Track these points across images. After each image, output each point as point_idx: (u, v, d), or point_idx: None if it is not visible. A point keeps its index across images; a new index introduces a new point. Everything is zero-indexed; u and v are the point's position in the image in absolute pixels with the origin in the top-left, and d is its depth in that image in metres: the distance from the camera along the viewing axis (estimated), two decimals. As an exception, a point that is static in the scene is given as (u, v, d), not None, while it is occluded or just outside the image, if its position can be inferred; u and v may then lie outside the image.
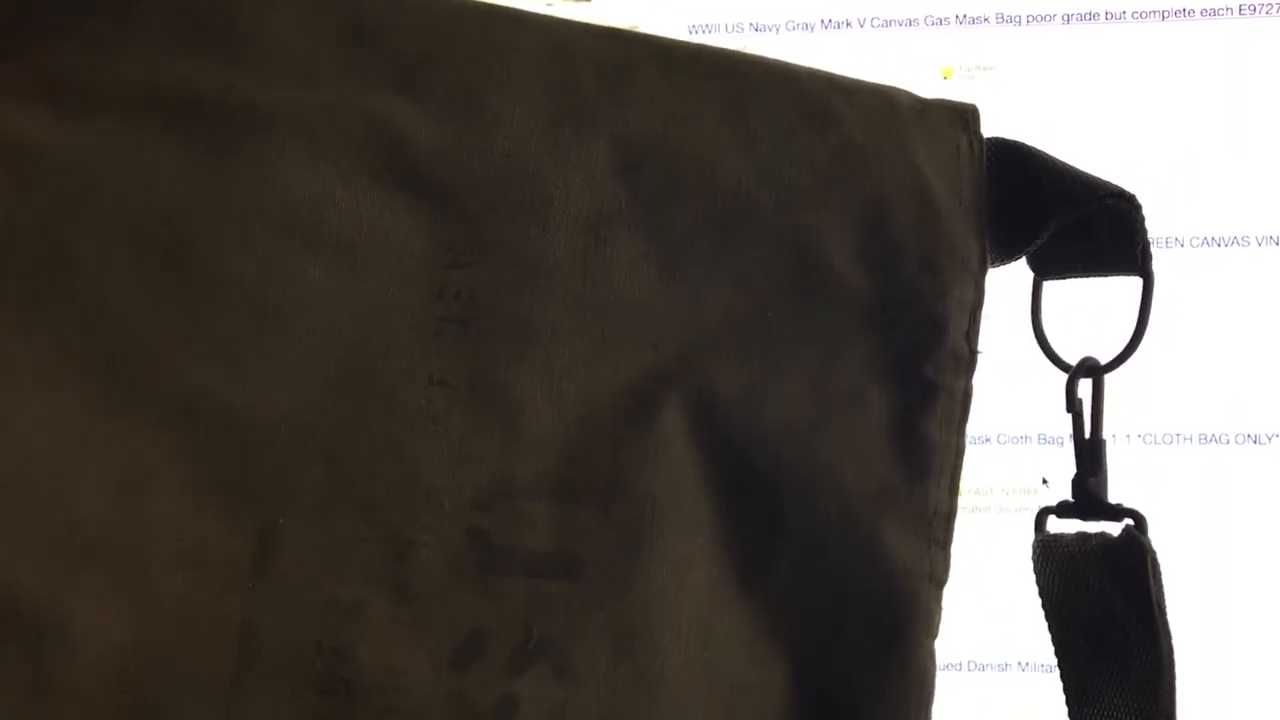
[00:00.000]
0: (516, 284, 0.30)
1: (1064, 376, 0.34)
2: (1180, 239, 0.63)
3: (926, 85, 0.66)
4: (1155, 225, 0.63)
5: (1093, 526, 0.34)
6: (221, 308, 0.29)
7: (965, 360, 0.33)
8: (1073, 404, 0.34)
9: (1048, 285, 0.36)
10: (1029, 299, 0.36)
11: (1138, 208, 0.32)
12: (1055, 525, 0.35)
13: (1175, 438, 0.65)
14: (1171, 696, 0.32)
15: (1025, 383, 0.56)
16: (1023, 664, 0.65)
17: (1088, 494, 0.34)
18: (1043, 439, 0.67)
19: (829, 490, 0.31)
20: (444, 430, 0.30)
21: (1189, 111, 0.65)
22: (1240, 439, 0.65)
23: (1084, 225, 0.33)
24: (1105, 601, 0.33)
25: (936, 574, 0.32)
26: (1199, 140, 0.65)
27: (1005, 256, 0.34)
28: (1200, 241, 0.64)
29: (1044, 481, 0.67)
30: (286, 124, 0.30)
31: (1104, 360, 0.34)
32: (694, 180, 0.31)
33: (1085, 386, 0.34)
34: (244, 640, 0.28)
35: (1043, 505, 0.35)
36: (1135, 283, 0.34)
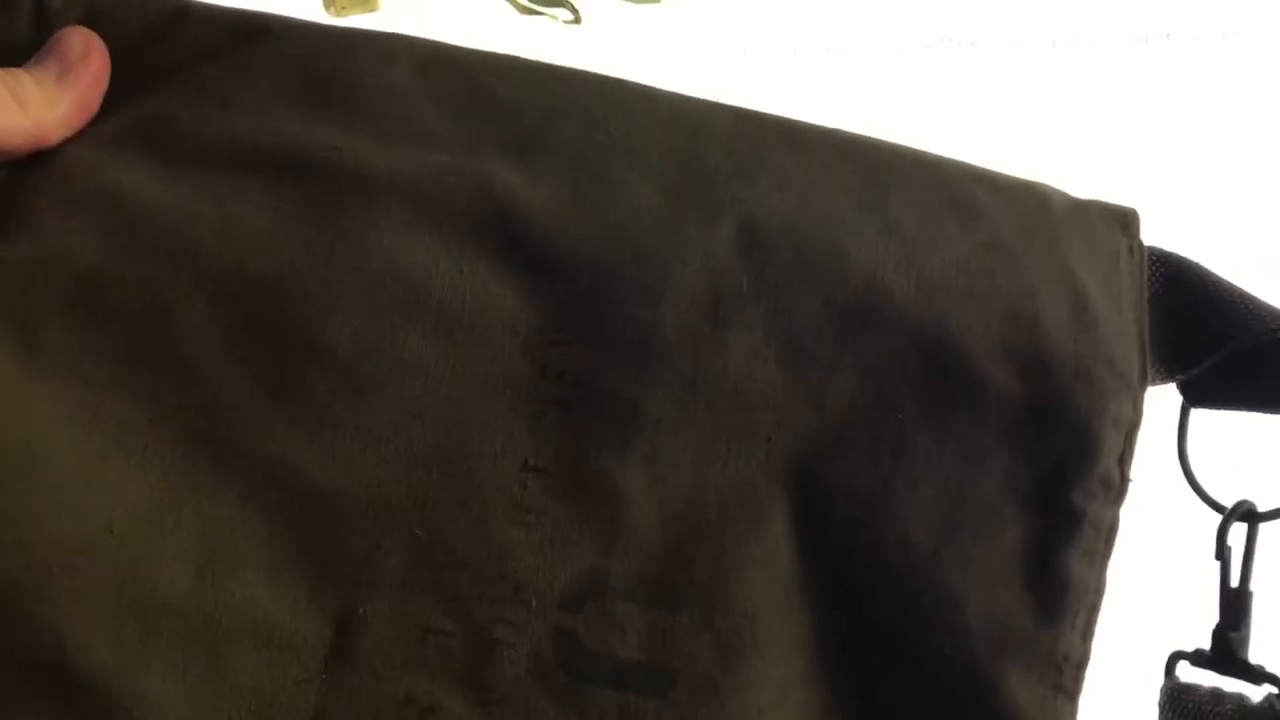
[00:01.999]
0: (624, 366, 0.28)
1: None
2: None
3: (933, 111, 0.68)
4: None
5: (1229, 683, 0.32)
6: (314, 378, 0.27)
7: (1116, 488, 0.29)
8: (1222, 550, 0.31)
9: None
10: (1175, 426, 0.33)
11: None
12: (1186, 673, 0.32)
13: None
14: None
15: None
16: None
17: (1227, 648, 0.31)
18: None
19: (948, 623, 0.28)
20: (537, 520, 0.28)
21: (1168, 133, 0.66)
22: None
23: (1250, 357, 0.30)
24: None
25: None
26: (1181, 162, 0.66)
27: (1163, 377, 0.31)
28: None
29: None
30: (393, 187, 0.28)
31: (1262, 506, 0.31)
32: (824, 265, 0.29)
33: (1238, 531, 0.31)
34: None
35: (1175, 650, 0.32)
36: None
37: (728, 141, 0.30)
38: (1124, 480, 0.29)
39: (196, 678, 0.26)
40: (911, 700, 0.29)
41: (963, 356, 0.29)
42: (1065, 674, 0.29)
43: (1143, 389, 0.29)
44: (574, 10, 0.67)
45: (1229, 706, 0.31)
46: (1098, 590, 0.29)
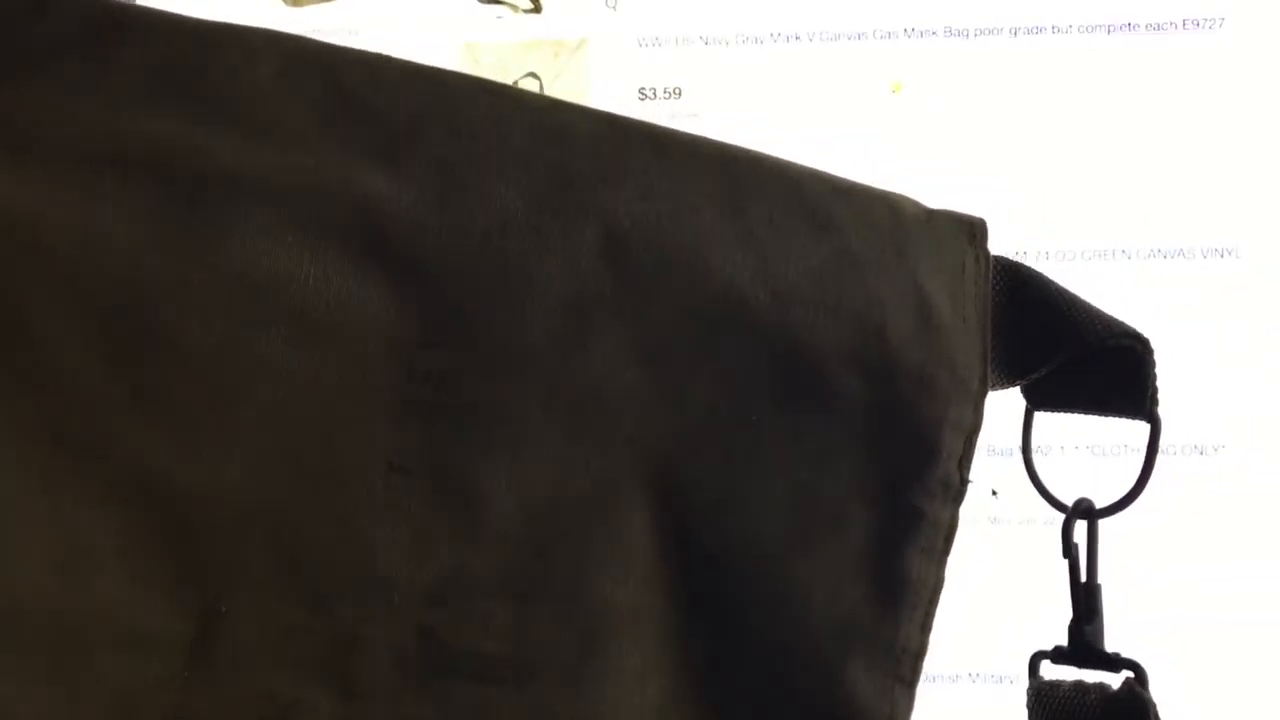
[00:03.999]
0: (489, 368, 0.29)
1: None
2: (1126, 250, 0.64)
3: (875, 99, 0.67)
4: (1100, 237, 0.64)
5: (1090, 675, 0.33)
6: (174, 381, 0.27)
7: (955, 489, 0.30)
8: (1069, 549, 0.32)
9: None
10: (1019, 429, 0.34)
11: (1150, 350, 0.31)
12: (1050, 671, 0.33)
13: (1123, 449, 0.66)
14: None
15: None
16: (973, 675, 0.65)
17: (1084, 641, 0.32)
18: (991, 451, 0.67)
19: (794, 617, 0.30)
20: (400, 519, 0.28)
21: (1134, 123, 0.66)
22: (1186, 450, 0.66)
23: (1089, 362, 0.31)
24: None
25: (897, 716, 0.31)
26: (1144, 152, 0.66)
27: (1004, 382, 0.32)
28: (1147, 253, 0.64)
29: (993, 493, 0.67)
30: (255, 189, 0.28)
31: (1100, 503, 0.33)
32: (685, 271, 0.29)
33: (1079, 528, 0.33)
34: None
35: (1036, 650, 0.33)
36: (1139, 426, 0.32)
37: (594, 149, 0.30)
38: (963, 481, 0.31)
39: (53, 679, 0.26)
40: (759, 689, 0.30)
41: (814, 363, 0.30)
42: (904, 665, 0.30)
43: (983, 395, 0.31)
44: (535, -2, 0.67)
45: (1093, 697, 0.32)
46: (936, 586, 0.31)
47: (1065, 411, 0.33)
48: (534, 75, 0.69)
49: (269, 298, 0.28)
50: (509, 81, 0.70)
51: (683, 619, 0.30)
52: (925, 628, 0.31)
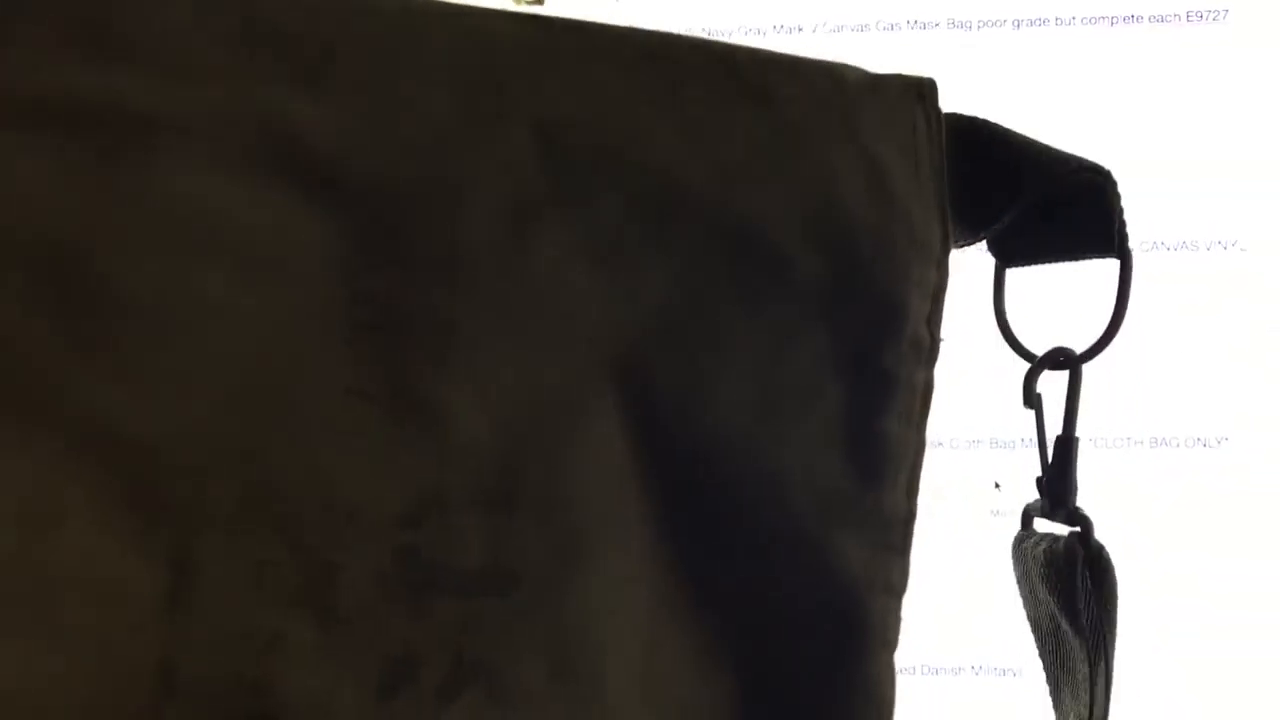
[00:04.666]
0: (433, 284, 0.28)
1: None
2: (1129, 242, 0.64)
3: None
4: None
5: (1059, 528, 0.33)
6: (117, 328, 0.27)
7: (926, 349, 0.30)
8: (1030, 398, 0.32)
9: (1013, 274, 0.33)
10: (990, 288, 0.33)
11: (1113, 182, 0.31)
12: (1041, 527, 0.34)
13: (1126, 441, 0.66)
14: (1104, 704, 0.32)
15: (977, 385, 0.56)
16: (976, 667, 0.65)
17: (1053, 494, 0.33)
18: (995, 444, 0.67)
19: (775, 498, 0.29)
20: (364, 444, 0.28)
21: (1137, 115, 0.65)
22: (1190, 443, 0.66)
23: (1053, 204, 0.31)
24: (1048, 605, 0.33)
25: (893, 583, 0.30)
26: (1148, 144, 0.65)
27: (969, 237, 0.32)
28: (1149, 246, 0.64)
29: (996, 486, 0.67)
30: (174, 128, 0.27)
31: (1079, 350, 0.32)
32: (622, 164, 0.29)
33: (1049, 381, 0.32)
34: (163, 678, 0.27)
35: (1028, 503, 0.34)
36: (1109, 265, 0.31)
37: (519, 48, 0.29)
38: (934, 340, 0.30)
39: (35, 636, 0.26)
40: (747, 578, 0.30)
41: (765, 241, 0.29)
42: (892, 532, 0.30)
43: (945, 253, 0.30)
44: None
45: (1041, 546, 0.33)
46: (918, 449, 0.30)
47: (1035, 263, 0.33)
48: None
49: (201, 235, 0.27)
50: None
51: (663, 517, 0.29)
52: (911, 492, 0.30)
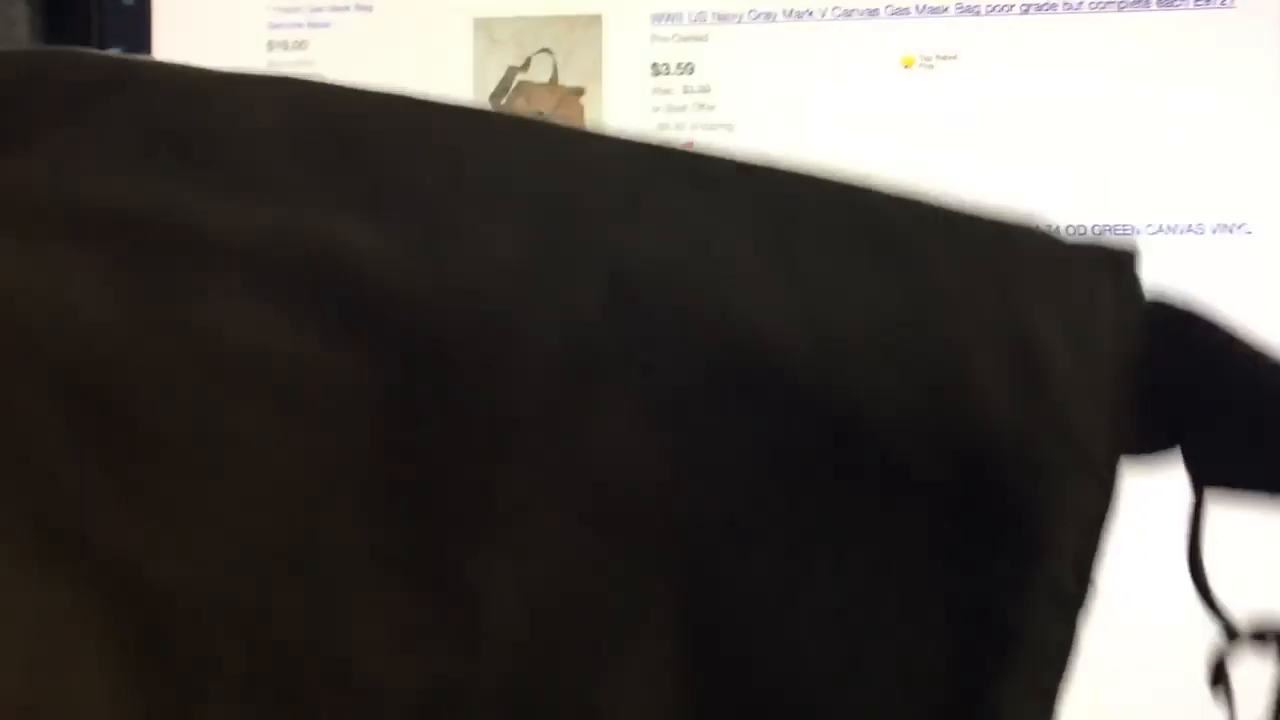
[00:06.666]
0: (477, 447, 0.25)
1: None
2: (1135, 226, 0.64)
3: (887, 75, 0.68)
4: (1111, 213, 0.64)
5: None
6: (149, 464, 0.25)
7: (1070, 597, 0.24)
8: (1220, 675, 0.25)
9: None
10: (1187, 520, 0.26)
11: None
12: None
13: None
14: None
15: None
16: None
17: None
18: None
19: None
20: (384, 617, 0.25)
21: (1145, 101, 0.66)
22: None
23: (1265, 424, 0.25)
24: None
25: None
26: (1156, 129, 0.66)
27: (1148, 448, 0.25)
28: (1155, 229, 0.65)
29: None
30: (226, 247, 0.25)
31: None
32: (708, 322, 0.24)
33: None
34: None
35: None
36: None
37: (615, 180, 0.25)
38: (1083, 585, 0.24)
39: None
40: None
41: (873, 432, 0.24)
42: None
43: (1113, 469, 0.24)
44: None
45: None
46: None
47: (1245, 489, 0.25)
48: (548, 51, 0.70)
49: (240, 369, 0.25)
50: (523, 57, 0.70)
51: None
52: None
